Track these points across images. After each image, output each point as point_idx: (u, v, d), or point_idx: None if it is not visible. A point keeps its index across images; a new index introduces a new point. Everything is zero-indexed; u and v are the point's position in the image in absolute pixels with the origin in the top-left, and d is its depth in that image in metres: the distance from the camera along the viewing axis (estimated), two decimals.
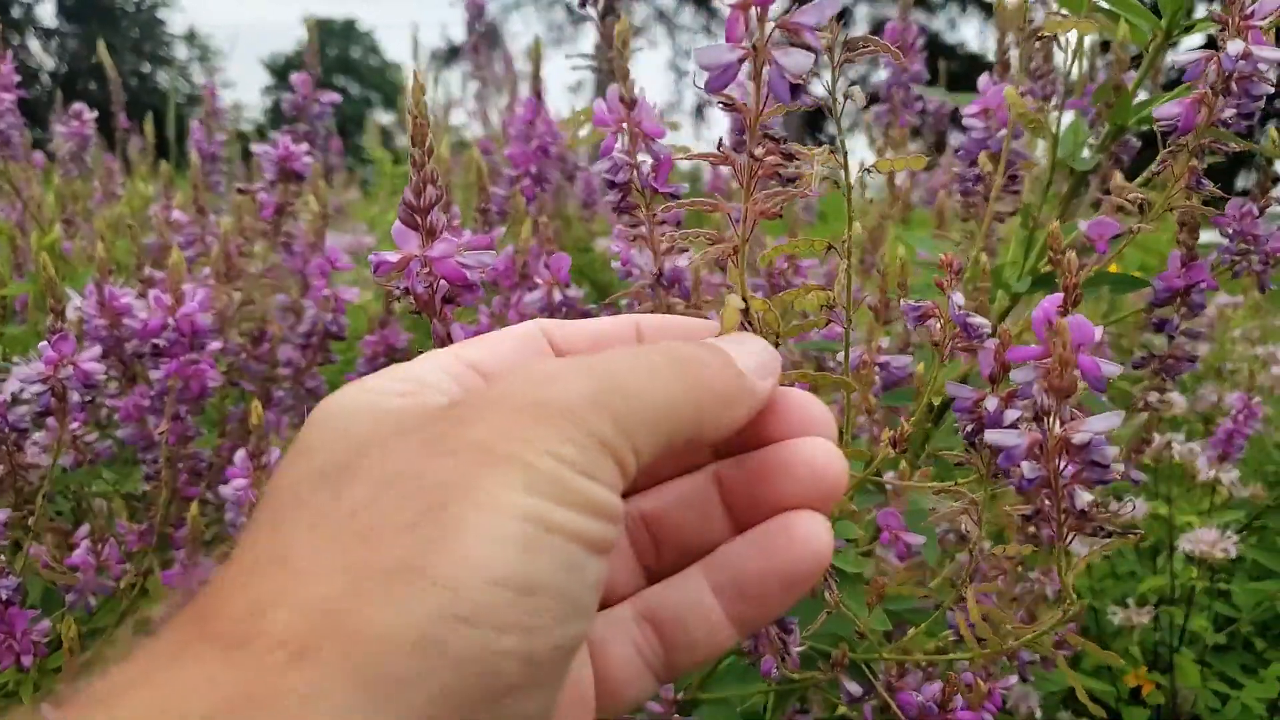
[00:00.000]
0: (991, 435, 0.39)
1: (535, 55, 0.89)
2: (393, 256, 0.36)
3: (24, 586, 0.77)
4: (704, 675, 0.72)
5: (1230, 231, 0.68)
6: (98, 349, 0.65)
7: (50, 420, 0.70)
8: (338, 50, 38.79)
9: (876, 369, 0.60)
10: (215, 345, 0.72)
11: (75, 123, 1.27)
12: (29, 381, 0.65)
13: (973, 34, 22.40)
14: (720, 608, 0.33)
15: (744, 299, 0.37)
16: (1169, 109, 0.50)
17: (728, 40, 0.33)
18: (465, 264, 0.36)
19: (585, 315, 0.78)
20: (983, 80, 0.65)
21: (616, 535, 0.27)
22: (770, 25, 0.34)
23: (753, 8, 0.32)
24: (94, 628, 0.86)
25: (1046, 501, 0.40)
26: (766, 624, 0.33)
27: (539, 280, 0.75)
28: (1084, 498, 0.38)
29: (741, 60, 0.33)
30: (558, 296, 0.74)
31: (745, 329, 0.38)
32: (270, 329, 0.87)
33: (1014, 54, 0.74)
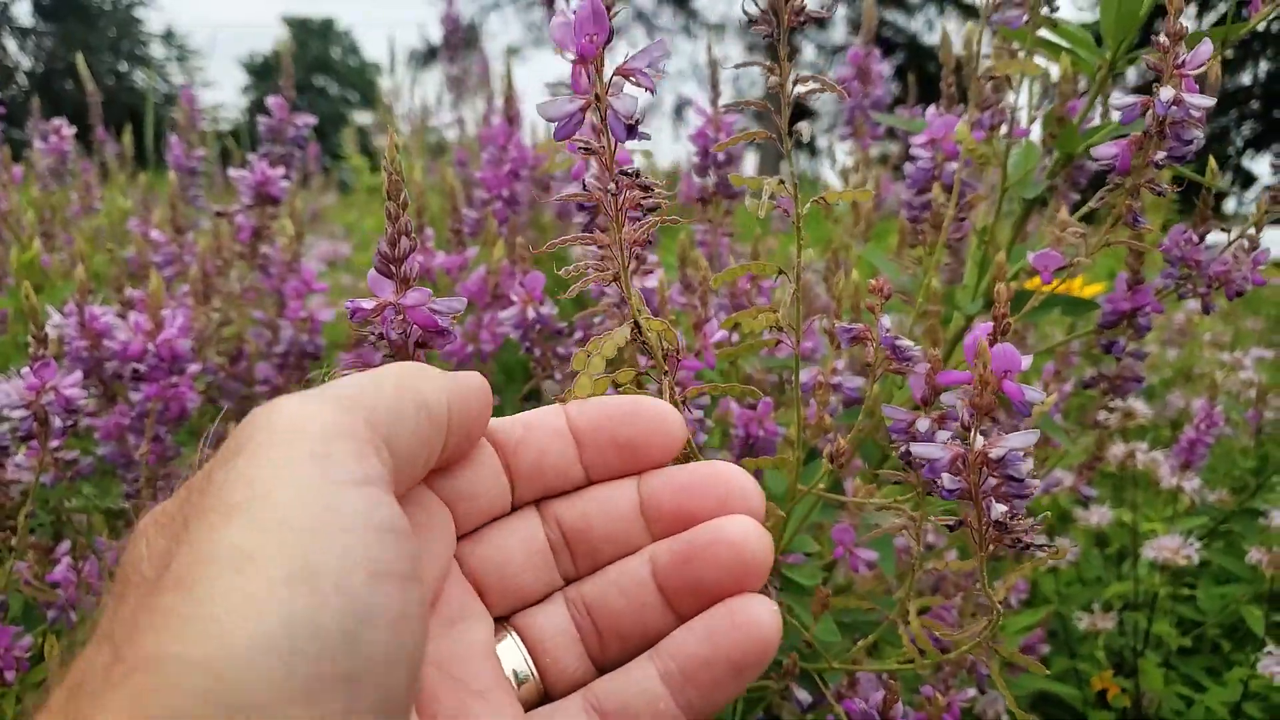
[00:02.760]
0: (917, 448, 0.42)
1: (507, 80, 0.91)
2: (368, 304, 0.38)
3: (6, 602, 0.79)
4: None
5: (1173, 257, 0.71)
6: (79, 374, 0.66)
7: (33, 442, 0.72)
8: (317, 50, 38.62)
9: (832, 389, 0.62)
10: (194, 368, 0.74)
11: (54, 138, 1.28)
12: (11, 406, 0.66)
13: (952, 34, 22.44)
14: (669, 696, 0.33)
15: (636, 322, 0.39)
16: (1106, 149, 0.52)
17: (574, 90, 0.35)
18: (437, 310, 0.38)
19: (558, 333, 0.81)
20: (930, 112, 0.68)
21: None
22: (609, 74, 0.36)
23: (590, 63, 0.35)
24: (76, 641, 0.87)
25: (970, 513, 0.42)
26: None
27: (514, 298, 0.77)
28: (999, 509, 0.41)
29: (583, 109, 0.35)
30: (532, 314, 0.76)
31: (642, 348, 0.40)
32: (247, 348, 0.88)
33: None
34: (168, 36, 33.75)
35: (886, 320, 0.47)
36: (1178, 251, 0.70)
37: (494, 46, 23.45)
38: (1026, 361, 0.44)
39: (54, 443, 0.78)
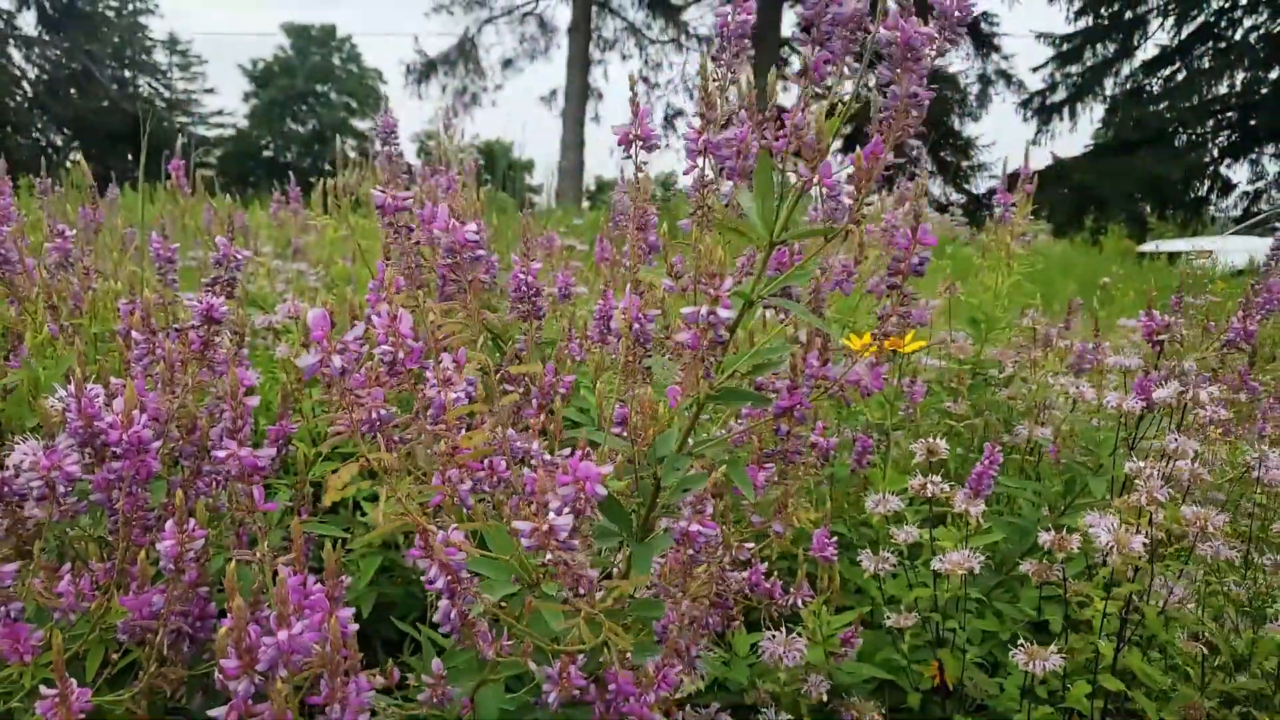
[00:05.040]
0: (516, 523, 0.76)
1: (445, 158, 1.25)
2: (222, 453, 0.72)
3: (23, 607, 1.13)
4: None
5: (807, 377, 1.05)
6: (76, 455, 1.01)
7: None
8: (318, 57, 39.10)
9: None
10: (157, 445, 1.08)
11: (59, 240, 1.63)
12: (31, 477, 1.01)
13: None
14: None
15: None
16: (680, 336, 0.87)
17: (319, 344, 0.69)
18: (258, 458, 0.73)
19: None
20: (627, 291, 1.02)
21: None
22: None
23: (323, 339, 0.69)
24: (73, 635, 1.22)
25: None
26: None
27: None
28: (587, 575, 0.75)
29: (320, 362, 0.69)
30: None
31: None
32: (200, 423, 1.23)
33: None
34: (171, 44, 34.16)
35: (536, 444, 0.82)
36: (810, 371, 1.04)
37: (492, 57, 23.92)
38: (608, 468, 0.78)
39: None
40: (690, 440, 1.10)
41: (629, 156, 1.21)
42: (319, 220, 2.76)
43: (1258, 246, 13.39)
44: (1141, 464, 1.62)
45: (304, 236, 3.87)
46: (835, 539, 1.68)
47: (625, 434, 1.03)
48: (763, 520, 1.12)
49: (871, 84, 0.95)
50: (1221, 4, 21.88)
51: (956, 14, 0.93)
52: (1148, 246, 14.68)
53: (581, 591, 0.78)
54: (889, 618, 1.78)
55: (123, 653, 1.20)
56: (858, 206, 0.94)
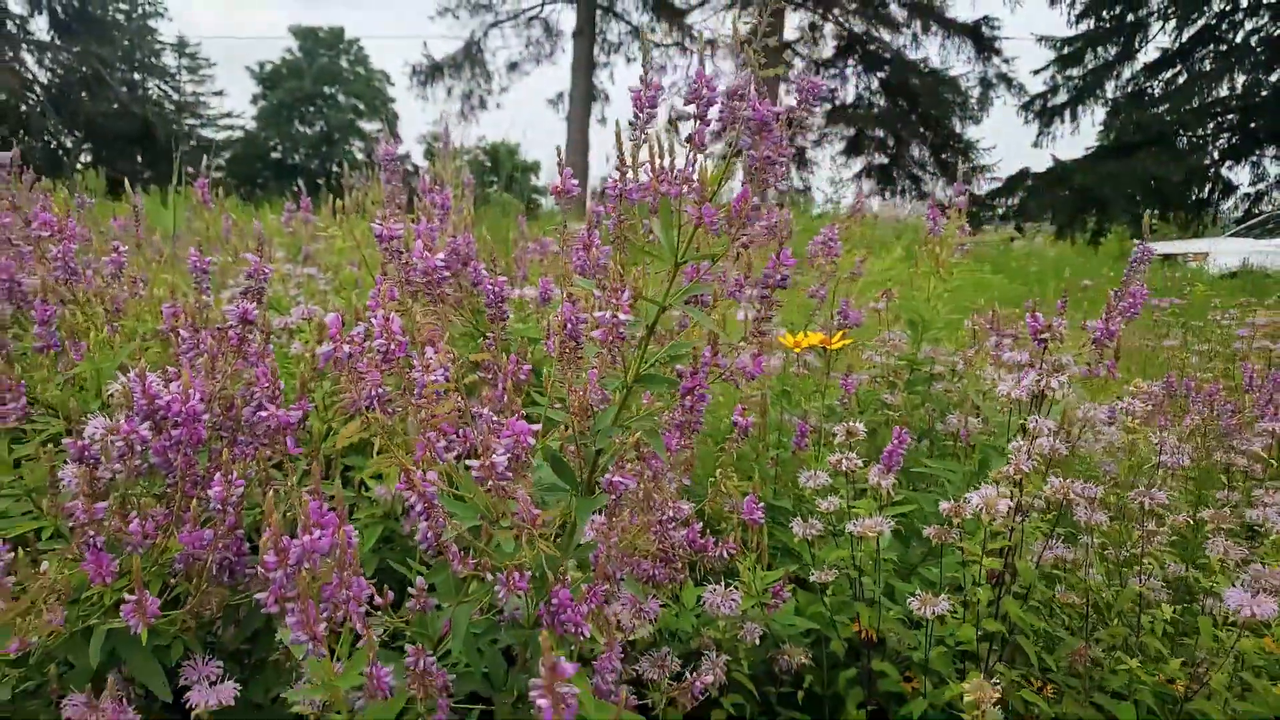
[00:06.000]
0: (468, 461, 1.08)
1: (425, 203, 1.58)
2: (264, 414, 1.04)
3: (103, 541, 1.46)
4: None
5: (703, 364, 1.37)
6: (146, 424, 1.33)
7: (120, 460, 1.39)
8: (326, 59, 39.55)
9: None
10: (205, 417, 1.41)
11: (114, 254, 1.96)
12: (112, 439, 1.33)
13: (934, 50, 23.40)
14: None
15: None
16: (596, 333, 1.19)
17: (333, 337, 1.01)
18: (291, 415, 1.05)
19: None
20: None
21: None
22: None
23: (337, 333, 1.02)
24: (142, 568, 1.54)
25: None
26: None
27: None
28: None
29: (334, 349, 1.01)
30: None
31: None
32: (237, 402, 1.55)
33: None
34: (179, 46, 34.62)
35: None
36: (706, 360, 1.37)
37: (498, 61, 24.28)
38: (538, 426, 1.10)
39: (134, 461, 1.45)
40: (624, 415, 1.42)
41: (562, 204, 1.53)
42: (328, 232, 3.09)
43: (1252, 249, 13.65)
44: (1020, 443, 1.94)
45: (314, 244, 4.20)
46: (779, 510, 2.00)
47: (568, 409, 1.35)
48: (675, 476, 1.44)
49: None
50: (1222, 7, 22.12)
51: (810, 92, 1.25)
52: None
53: (523, 518, 1.10)
54: (814, 575, 2.10)
55: (175, 585, 1.52)
56: (735, 236, 1.26)
